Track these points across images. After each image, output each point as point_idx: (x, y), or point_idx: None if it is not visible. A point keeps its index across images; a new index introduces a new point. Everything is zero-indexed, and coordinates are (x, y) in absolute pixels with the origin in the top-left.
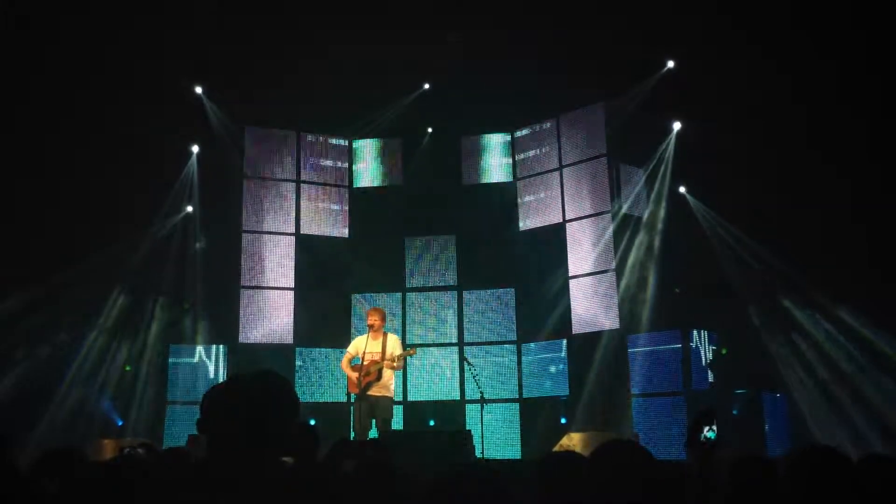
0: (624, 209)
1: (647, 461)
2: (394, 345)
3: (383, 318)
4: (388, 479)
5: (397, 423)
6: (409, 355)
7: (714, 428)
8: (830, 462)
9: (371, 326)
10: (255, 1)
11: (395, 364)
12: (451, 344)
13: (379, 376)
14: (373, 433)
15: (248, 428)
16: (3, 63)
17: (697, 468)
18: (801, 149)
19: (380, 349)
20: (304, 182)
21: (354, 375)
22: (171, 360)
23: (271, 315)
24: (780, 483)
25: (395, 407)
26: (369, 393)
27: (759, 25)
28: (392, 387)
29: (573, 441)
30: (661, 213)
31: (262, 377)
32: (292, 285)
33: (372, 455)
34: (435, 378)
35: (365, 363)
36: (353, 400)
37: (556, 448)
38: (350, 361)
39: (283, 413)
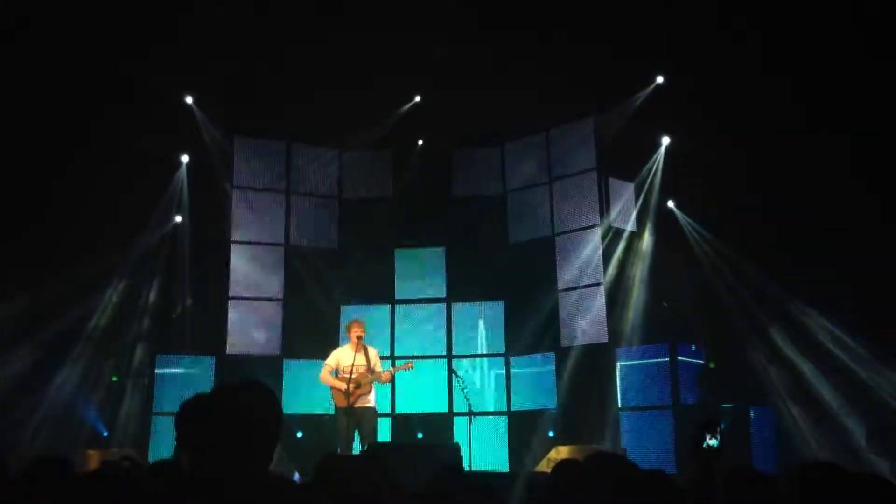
0: (613, 223)
1: (635, 472)
2: (376, 357)
3: (364, 330)
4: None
5: (384, 435)
6: (408, 369)
7: (717, 436)
8: (836, 478)
9: (360, 338)
10: (247, 12)
11: (387, 375)
12: (439, 356)
13: (370, 388)
14: (356, 445)
15: (232, 441)
16: None
17: (700, 476)
18: (790, 164)
19: (365, 361)
20: (294, 193)
21: (343, 387)
22: (157, 370)
23: (259, 326)
24: (784, 498)
25: (383, 420)
26: (356, 405)
27: (750, 41)
28: (374, 398)
29: (561, 454)
30: (650, 227)
31: (247, 389)
32: (281, 296)
33: (365, 468)
34: (423, 391)
35: (354, 376)
36: (333, 413)
37: (544, 461)
38: (330, 374)
39: (267, 425)
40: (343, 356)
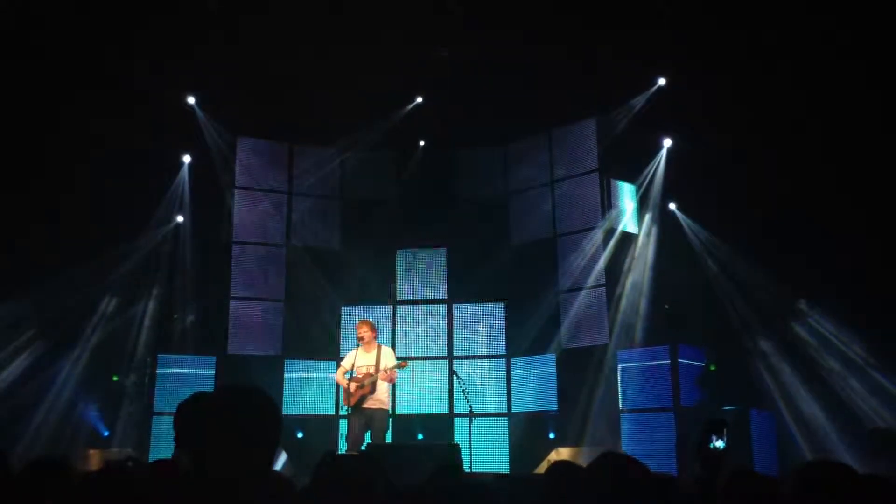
0: (614, 225)
1: (646, 474)
2: (388, 357)
3: (373, 330)
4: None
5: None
6: (401, 367)
7: (724, 438)
8: (840, 478)
9: (361, 339)
10: (249, 13)
11: (389, 375)
12: (440, 357)
13: (373, 389)
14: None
15: (231, 441)
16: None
17: (704, 479)
18: (792, 166)
19: (373, 361)
20: (296, 194)
21: (348, 387)
22: (158, 370)
23: (261, 326)
24: (787, 497)
25: None
26: (364, 406)
27: (751, 42)
28: (387, 399)
29: (561, 456)
30: (652, 229)
31: (246, 390)
32: (282, 297)
33: (362, 468)
34: (424, 391)
35: (359, 376)
36: (343, 413)
37: (544, 463)
38: (344, 375)
39: (266, 426)
40: (349, 357)
